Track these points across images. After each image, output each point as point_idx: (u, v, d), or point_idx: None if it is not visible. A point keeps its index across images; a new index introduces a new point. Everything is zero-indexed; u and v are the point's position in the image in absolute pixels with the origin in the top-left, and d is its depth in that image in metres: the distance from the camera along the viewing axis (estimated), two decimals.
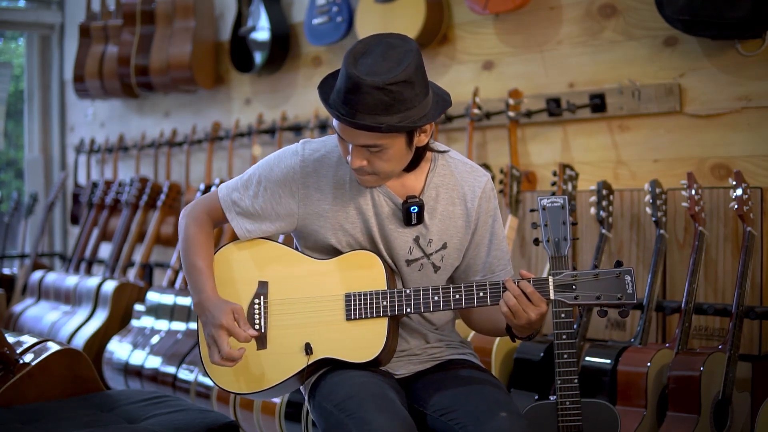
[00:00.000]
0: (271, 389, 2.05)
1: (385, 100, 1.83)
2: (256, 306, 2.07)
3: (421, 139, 1.97)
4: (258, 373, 2.04)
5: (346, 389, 1.92)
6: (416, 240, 2.06)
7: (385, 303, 1.98)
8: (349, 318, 2.01)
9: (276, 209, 2.08)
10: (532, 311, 1.89)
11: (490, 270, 2.12)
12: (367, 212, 2.05)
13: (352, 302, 2.01)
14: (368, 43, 1.90)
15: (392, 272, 2.06)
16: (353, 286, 2.02)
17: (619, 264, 1.91)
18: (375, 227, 2.06)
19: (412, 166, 2.03)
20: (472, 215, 2.08)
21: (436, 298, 1.97)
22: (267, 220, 2.09)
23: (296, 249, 2.16)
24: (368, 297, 2.00)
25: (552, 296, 1.91)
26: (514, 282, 1.91)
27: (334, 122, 1.93)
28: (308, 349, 2.01)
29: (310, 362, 2.01)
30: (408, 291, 1.98)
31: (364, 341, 1.99)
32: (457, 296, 1.96)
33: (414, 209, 2.02)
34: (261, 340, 2.05)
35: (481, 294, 1.94)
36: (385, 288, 2.00)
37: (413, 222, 2.04)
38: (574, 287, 1.90)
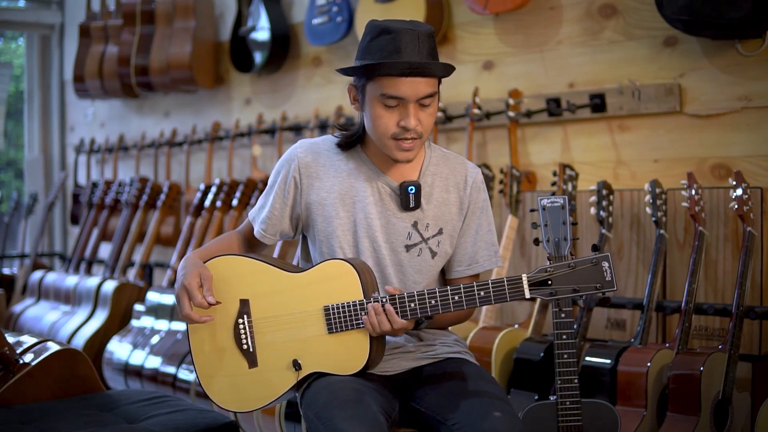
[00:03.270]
0: (267, 404, 2.09)
1: (433, 46, 2.02)
2: (241, 326, 2.07)
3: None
4: (253, 391, 2.08)
5: (324, 397, 1.93)
6: (414, 225, 2.10)
7: (364, 314, 1.97)
8: (330, 331, 2.01)
9: (285, 202, 2.14)
10: (387, 328, 1.94)
11: (474, 260, 2.16)
12: (366, 199, 2.09)
13: (332, 315, 2.00)
14: (377, 22, 2.01)
15: (370, 276, 2.04)
16: (331, 298, 2.01)
17: (595, 248, 1.87)
18: (374, 214, 2.09)
19: None
20: (465, 202, 2.14)
21: (412, 305, 1.95)
22: (280, 216, 2.15)
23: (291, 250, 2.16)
24: (347, 309, 1.99)
25: (527, 295, 1.88)
26: (380, 302, 1.95)
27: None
28: (297, 366, 2.03)
29: (299, 378, 2.03)
30: (384, 299, 1.96)
31: (348, 353, 2.00)
32: (433, 302, 1.94)
33: (412, 189, 2.07)
34: (252, 359, 2.07)
35: (456, 298, 1.93)
36: (362, 296, 1.99)
37: (411, 205, 2.08)
38: (549, 282, 1.86)
